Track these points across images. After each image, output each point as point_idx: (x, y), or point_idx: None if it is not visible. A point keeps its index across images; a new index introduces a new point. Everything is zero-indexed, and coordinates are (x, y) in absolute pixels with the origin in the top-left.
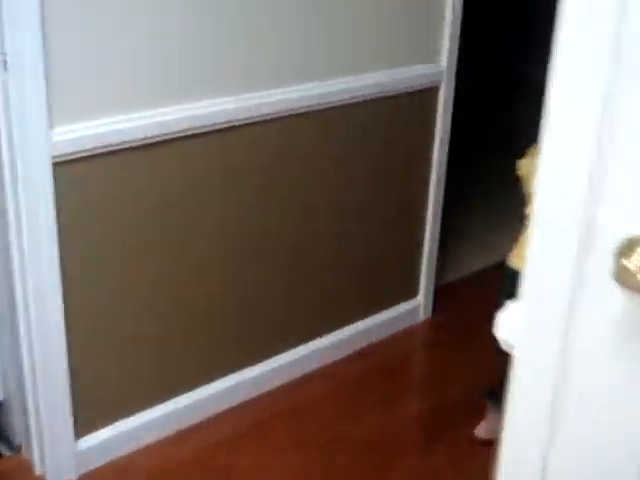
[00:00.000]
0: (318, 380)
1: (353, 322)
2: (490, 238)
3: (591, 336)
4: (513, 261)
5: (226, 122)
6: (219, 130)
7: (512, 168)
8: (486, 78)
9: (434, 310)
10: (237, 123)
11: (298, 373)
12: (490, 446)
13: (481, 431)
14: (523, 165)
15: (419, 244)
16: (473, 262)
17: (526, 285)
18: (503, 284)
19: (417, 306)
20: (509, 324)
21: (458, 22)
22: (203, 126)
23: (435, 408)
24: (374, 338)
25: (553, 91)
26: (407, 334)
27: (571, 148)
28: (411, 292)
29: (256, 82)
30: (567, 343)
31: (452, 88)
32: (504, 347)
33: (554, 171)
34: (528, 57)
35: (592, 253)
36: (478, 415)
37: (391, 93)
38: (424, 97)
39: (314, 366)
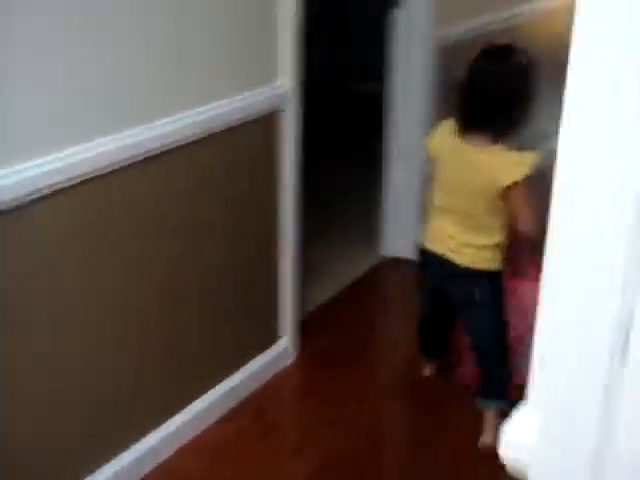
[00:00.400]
0: (191, 454)
1: (221, 380)
2: (340, 258)
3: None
4: (427, 244)
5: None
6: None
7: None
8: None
9: (303, 346)
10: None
11: (170, 450)
12: None
13: (489, 438)
14: (433, 141)
15: (276, 282)
16: (329, 286)
17: (539, 390)
18: (420, 266)
19: (285, 348)
20: (518, 440)
21: (297, 39)
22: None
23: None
24: (246, 393)
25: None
26: (279, 380)
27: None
28: (275, 335)
29: (88, 130)
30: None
31: (297, 109)
32: (513, 474)
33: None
34: (357, 71)
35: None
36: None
37: (233, 123)
38: (269, 122)
39: (185, 440)
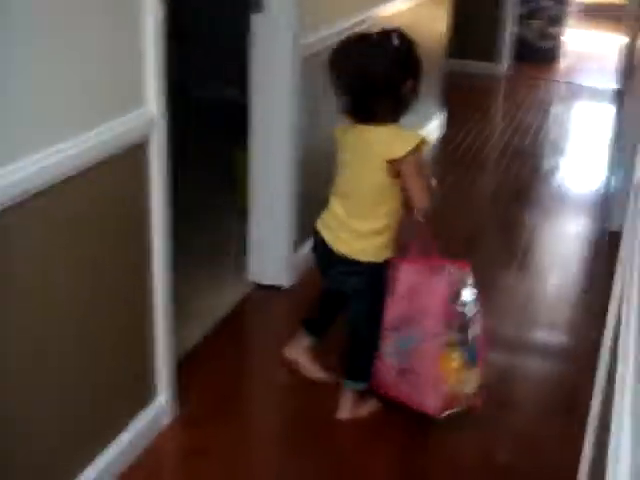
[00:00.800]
0: None
1: (92, 458)
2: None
3: None
4: (318, 227)
5: None
6: None
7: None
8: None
9: (183, 400)
10: None
11: None
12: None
13: (290, 352)
14: (339, 128)
15: (148, 339)
16: (199, 323)
17: None
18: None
19: (163, 405)
20: None
21: (161, 59)
22: None
23: None
24: (124, 465)
25: None
26: (161, 441)
27: None
28: (151, 392)
29: None
30: None
31: (164, 137)
32: None
33: None
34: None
35: None
36: None
37: (94, 160)
38: (134, 154)
39: None
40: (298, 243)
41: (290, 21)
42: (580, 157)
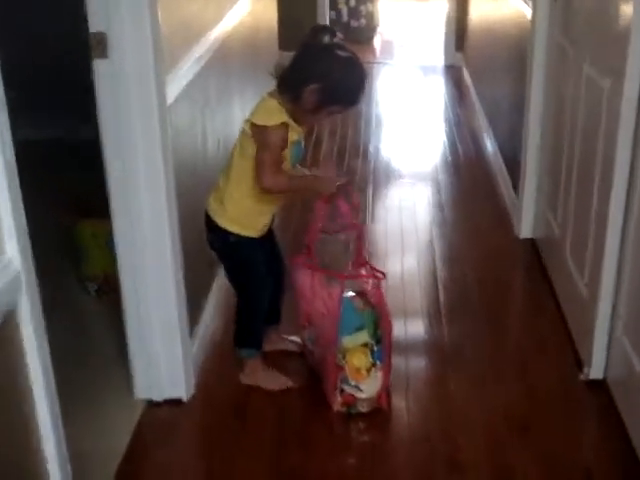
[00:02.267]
0: None
1: None
2: None
3: None
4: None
5: None
6: None
7: None
8: None
9: None
10: None
11: None
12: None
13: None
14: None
15: None
16: None
17: None
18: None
19: None
20: None
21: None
22: None
23: None
24: None
25: None
26: None
27: None
28: None
29: None
30: None
31: (36, 295)
32: None
33: None
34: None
35: None
36: None
37: None
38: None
39: None
40: (193, 329)
41: (142, 67)
42: (414, 139)
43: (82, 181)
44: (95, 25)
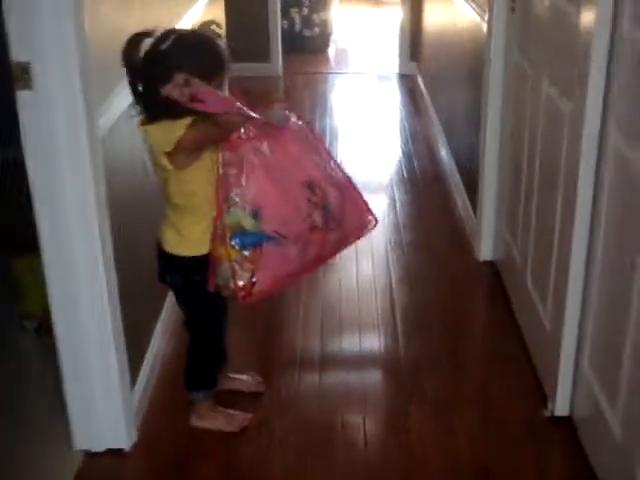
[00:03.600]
0: None
1: None
2: None
3: None
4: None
5: None
6: None
7: None
8: None
9: None
10: None
11: None
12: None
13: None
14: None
15: None
16: None
17: None
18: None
19: None
20: None
21: None
22: None
23: None
24: None
25: None
26: None
27: None
28: None
29: None
30: None
31: None
32: None
33: None
34: None
35: None
36: None
37: None
38: None
39: None
40: (137, 371)
41: (70, 98)
42: (370, 153)
43: (15, 210)
44: (17, 54)
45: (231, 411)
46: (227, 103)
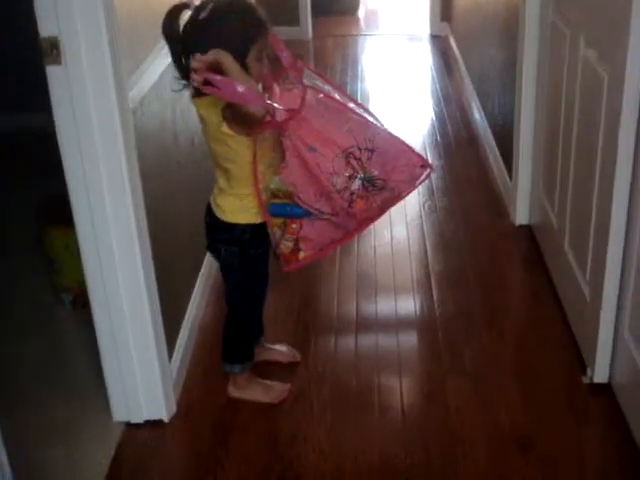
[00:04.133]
0: None
1: None
2: None
3: None
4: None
5: None
6: None
7: None
8: None
9: None
10: None
11: None
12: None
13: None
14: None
15: None
16: None
17: None
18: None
19: None
20: None
21: None
22: None
23: None
24: None
25: None
26: None
27: None
28: None
29: None
30: None
31: None
32: None
33: None
34: None
35: None
36: None
37: None
38: None
39: None
40: (173, 342)
41: (100, 72)
42: (402, 117)
43: (49, 181)
44: (46, 29)
45: (269, 382)
46: (241, 96)
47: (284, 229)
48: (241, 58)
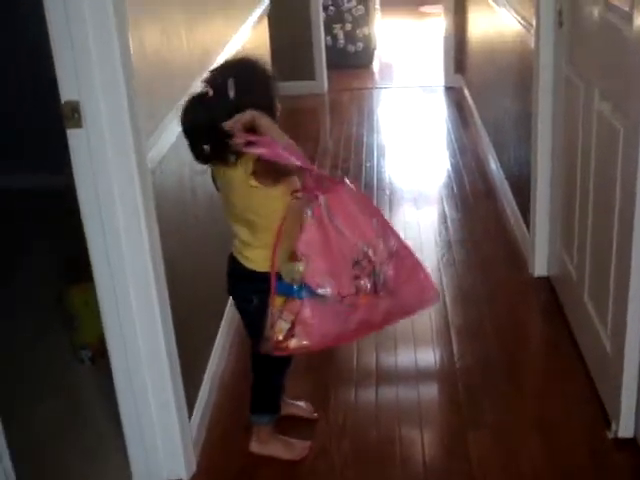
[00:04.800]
0: None
1: None
2: None
3: None
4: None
5: None
6: None
7: None
8: None
9: None
10: None
11: None
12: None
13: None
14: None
15: None
16: None
17: None
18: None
19: None
20: None
21: None
22: None
23: None
24: None
25: None
26: None
27: None
28: None
29: None
30: None
31: None
32: None
33: None
34: None
35: None
36: None
37: None
38: None
39: None
40: (191, 402)
41: (120, 135)
42: (419, 168)
43: (69, 239)
44: (67, 93)
45: (290, 439)
46: (285, 155)
47: (284, 306)
48: (271, 114)
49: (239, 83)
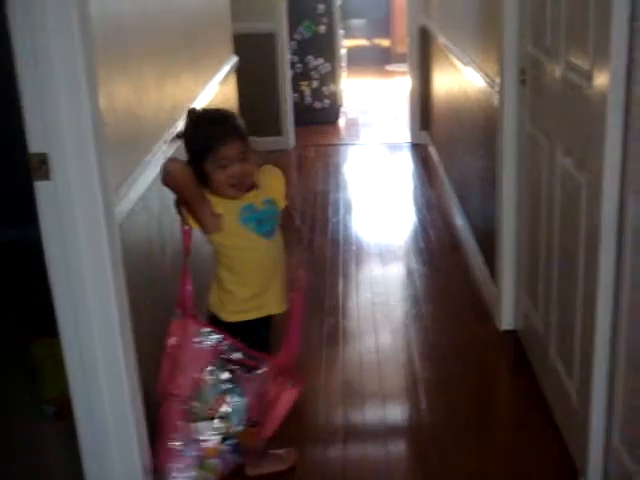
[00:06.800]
0: None
1: None
2: None
3: None
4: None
5: None
6: None
7: None
8: None
9: None
10: None
11: None
12: None
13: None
14: None
15: None
16: None
17: None
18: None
19: None
20: None
21: None
22: None
23: None
24: None
25: None
26: None
27: None
28: None
29: None
30: None
31: None
32: None
33: None
34: None
35: None
36: None
37: None
38: None
39: None
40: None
41: (88, 188)
42: (385, 224)
43: (32, 291)
44: (35, 145)
45: (278, 451)
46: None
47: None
48: (201, 159)
49: (185, 129)
